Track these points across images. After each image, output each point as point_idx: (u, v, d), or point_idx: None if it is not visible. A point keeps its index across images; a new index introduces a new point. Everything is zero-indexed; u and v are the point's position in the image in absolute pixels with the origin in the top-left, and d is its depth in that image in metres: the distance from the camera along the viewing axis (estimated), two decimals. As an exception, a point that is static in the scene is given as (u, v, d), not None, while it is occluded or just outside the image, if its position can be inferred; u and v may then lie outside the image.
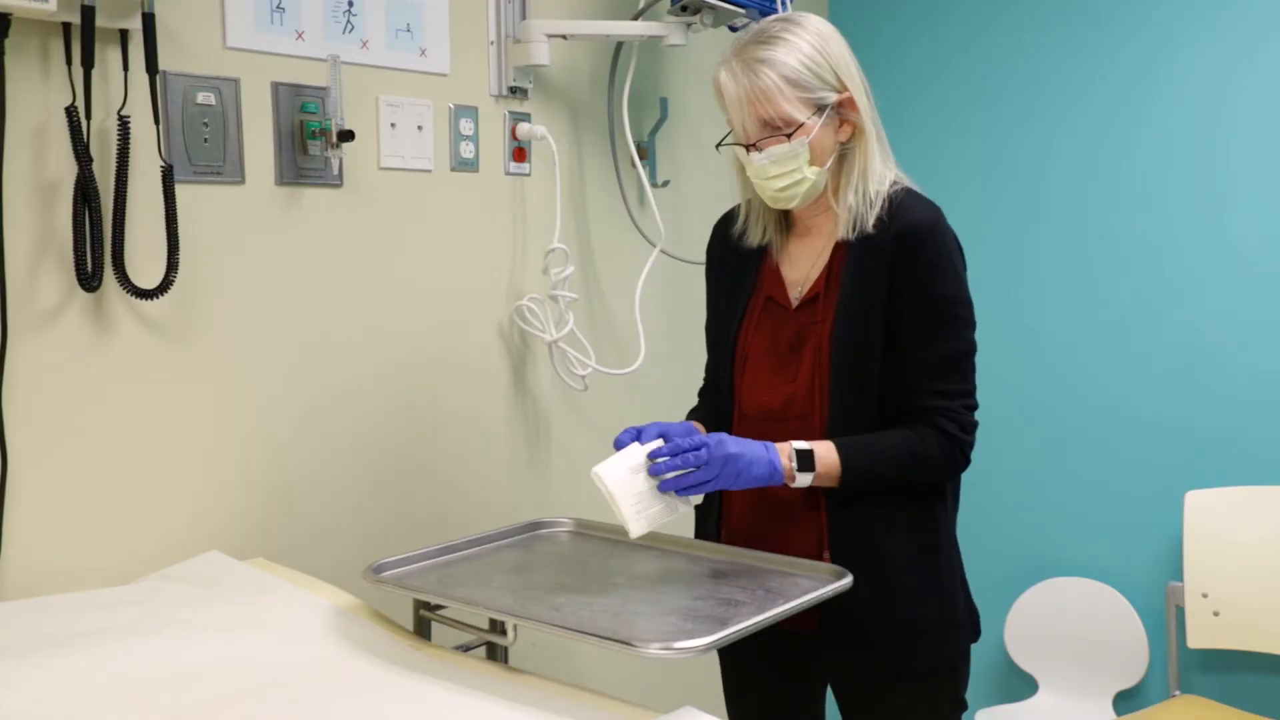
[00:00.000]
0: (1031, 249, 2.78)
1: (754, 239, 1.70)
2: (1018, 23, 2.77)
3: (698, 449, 1.47)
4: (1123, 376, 2.66)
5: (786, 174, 1.56)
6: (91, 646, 1.31)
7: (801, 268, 1.66)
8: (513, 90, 2.19)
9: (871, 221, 1.57)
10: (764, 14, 2.27)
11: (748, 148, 1.57)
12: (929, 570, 1.60)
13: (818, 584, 1.46)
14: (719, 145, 1.65)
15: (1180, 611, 2.53)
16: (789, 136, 1.54)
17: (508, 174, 2.20)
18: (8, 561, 1.55)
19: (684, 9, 2.20)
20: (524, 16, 2.18)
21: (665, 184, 2.54)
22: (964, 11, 2.86)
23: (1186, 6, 2.53)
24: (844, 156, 1.60)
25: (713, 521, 1.72)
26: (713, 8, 2.20)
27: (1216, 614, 2.45)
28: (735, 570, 1.53)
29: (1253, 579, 2.43)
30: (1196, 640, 2.47)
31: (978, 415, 1.63)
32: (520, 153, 2.22)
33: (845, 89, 1.57)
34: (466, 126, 2.11)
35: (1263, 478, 2.47)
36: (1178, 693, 2.57)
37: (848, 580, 1.46)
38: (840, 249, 1.60)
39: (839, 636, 1.59)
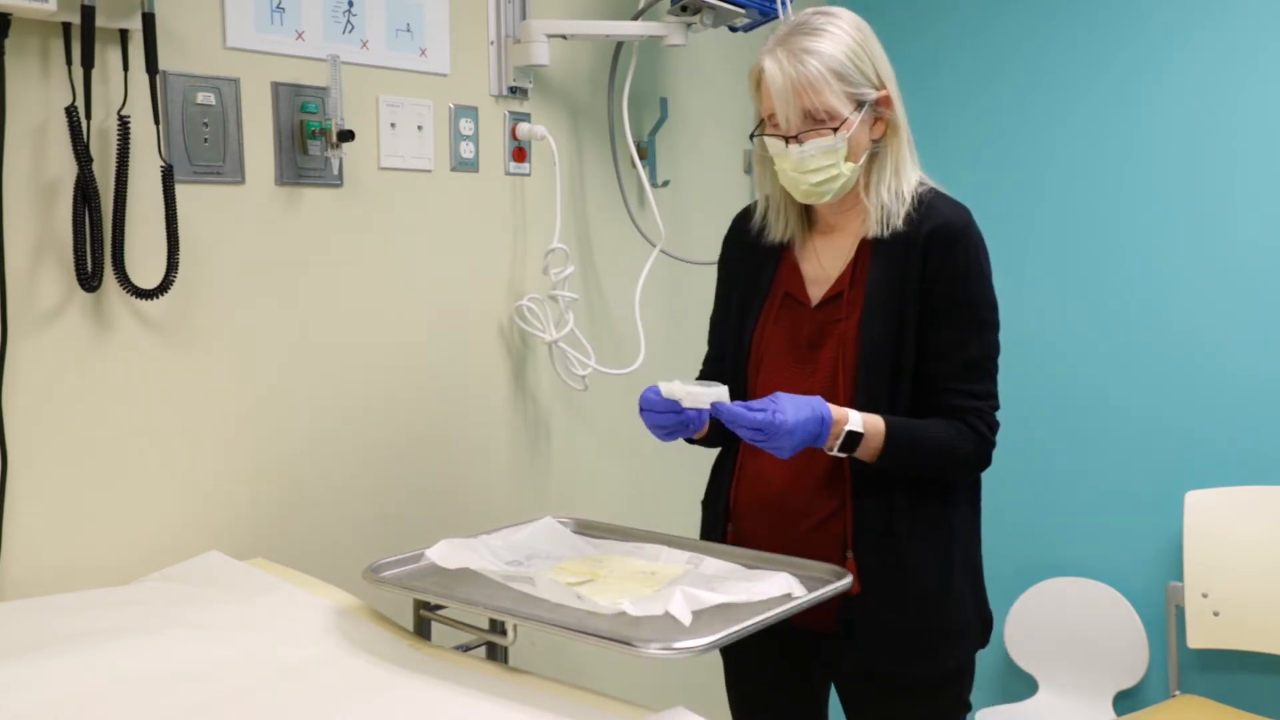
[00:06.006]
0: (1032, 248, 2.78)
1: (775, 235, 1.68)
2: (1018, 22, 2.77)
3: (759, 426, 1.43)
4: (1123, 376, 2.66)
5: (824, 168, 1.55)
6: (91, 646, 1.31)
7: (824, 265, 1.64)
8: (513, 90, 2.19)
9: (901, 218, 1.57)
10: (764, 14, 2.27)
11: (787, 140, 1.56)
12: (944, 578, 1.59)
13: (817, 584, 1.46)
14: (753, 135, 1.62)
15: (1180, 611, 2.53)
16: (834, 130, 1.53)
17: (508, 174, 2.20)
18: (8, 561, 1.55)
19: (684, 9, 2.20)
20: (524, 16, 2.18)
21: (665, 184, 2.54)
22: (964, 10, 2.86)
23: (1187, 7, 2.53)
24: (874, 155, 1.60)
25: (719, 525, 1.71)
26: (713, 8, 2.20)
27: (1216, 614, 2.45)
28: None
29: (1253, 579, 2.43)
30: (1196, 640, 2.47)
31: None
32: (520, 153, 2.21)
33: (884, 86, 1.57)
34: (466, 126, 2.11)
35: (1263, 478, 2.47)
36: (1178, 693, 2.57)
37: (848, 581, 1.45)
38: (867, 246, 1.60)
39: (852, 638, 1.59)
